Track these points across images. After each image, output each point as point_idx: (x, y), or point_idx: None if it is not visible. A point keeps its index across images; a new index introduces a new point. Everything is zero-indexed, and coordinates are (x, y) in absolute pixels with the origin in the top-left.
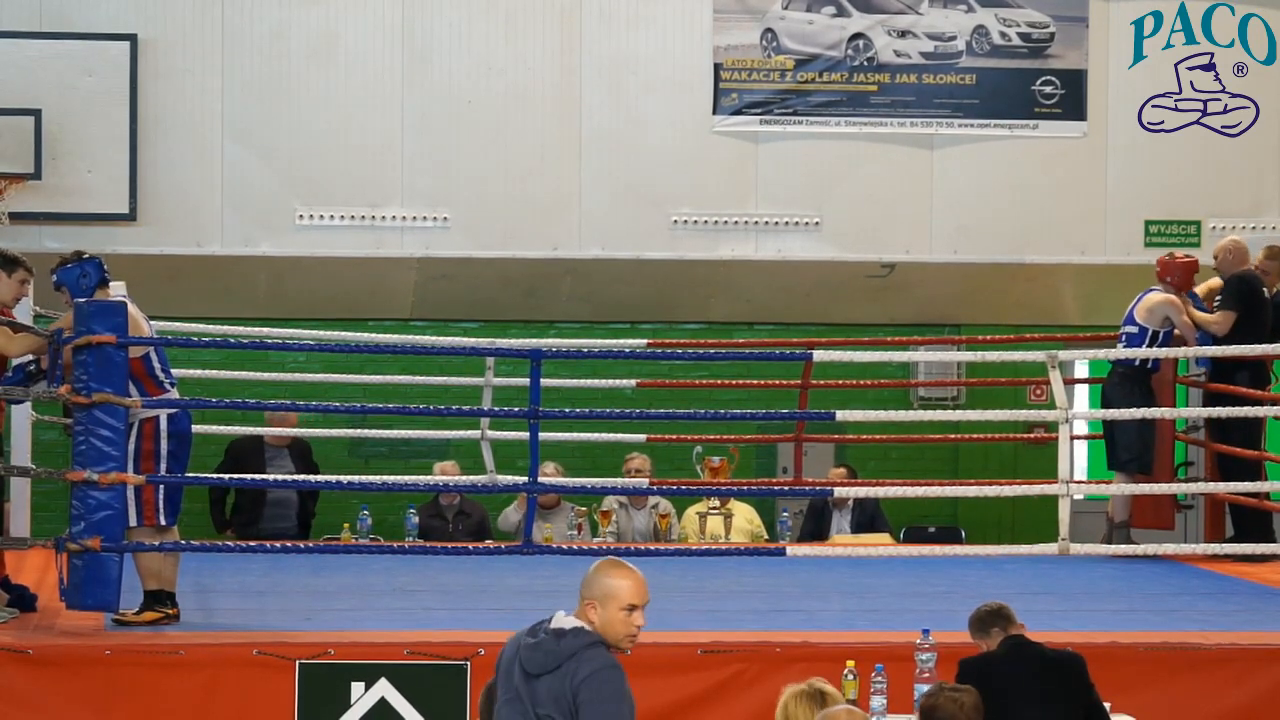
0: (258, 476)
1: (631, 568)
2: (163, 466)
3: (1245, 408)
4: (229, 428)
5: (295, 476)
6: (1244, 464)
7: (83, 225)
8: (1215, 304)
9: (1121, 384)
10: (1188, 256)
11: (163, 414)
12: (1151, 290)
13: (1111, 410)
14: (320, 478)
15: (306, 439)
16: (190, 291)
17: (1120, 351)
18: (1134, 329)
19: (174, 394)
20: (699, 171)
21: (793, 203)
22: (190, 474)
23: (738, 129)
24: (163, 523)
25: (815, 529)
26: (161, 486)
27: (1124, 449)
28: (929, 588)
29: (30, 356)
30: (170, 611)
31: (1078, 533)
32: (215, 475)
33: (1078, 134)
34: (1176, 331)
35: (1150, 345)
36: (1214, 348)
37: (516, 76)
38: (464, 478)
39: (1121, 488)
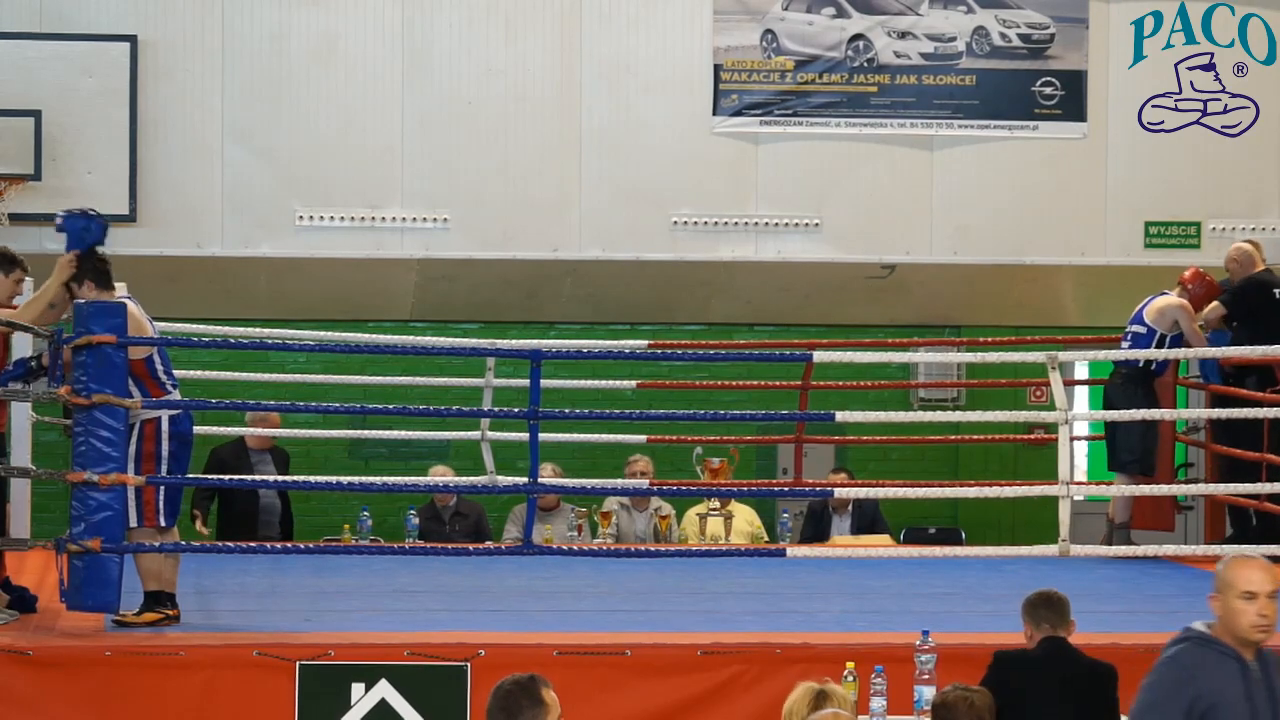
0: (256, 478)
1: (1254, 559)
2: (163, 468)
3: (1250, 409)
4: (228, 429)
5: (296, 479)
6: (1255, 466)
7: None
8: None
9: (1125, 385)
10: (1213, 280)
11: (165, 415)
12: (1164, 294)
13: (1111, 411)
14: (320, 479)
15: (280, 443)
16: (190, 292)
17: (1120, 352)
18: (1142, 329)
19: (176, 395)
20: (699, 172)
21: (793, 204)
22: (190, 476)
23: (738, 130)
24: (163, 524)
25: (815, 533)
26: (162, 488)
27: (1125, 450)
28: (929, 589)
29: (30, 352)
30: (170, 613)
31: (1079, 534)
32: (215, 477)
33: (1078, 135)
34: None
35: (1157, 348)
36: (1213, 349)
37: (516, 77)
38: (464, 479)
39: (1122, 489)
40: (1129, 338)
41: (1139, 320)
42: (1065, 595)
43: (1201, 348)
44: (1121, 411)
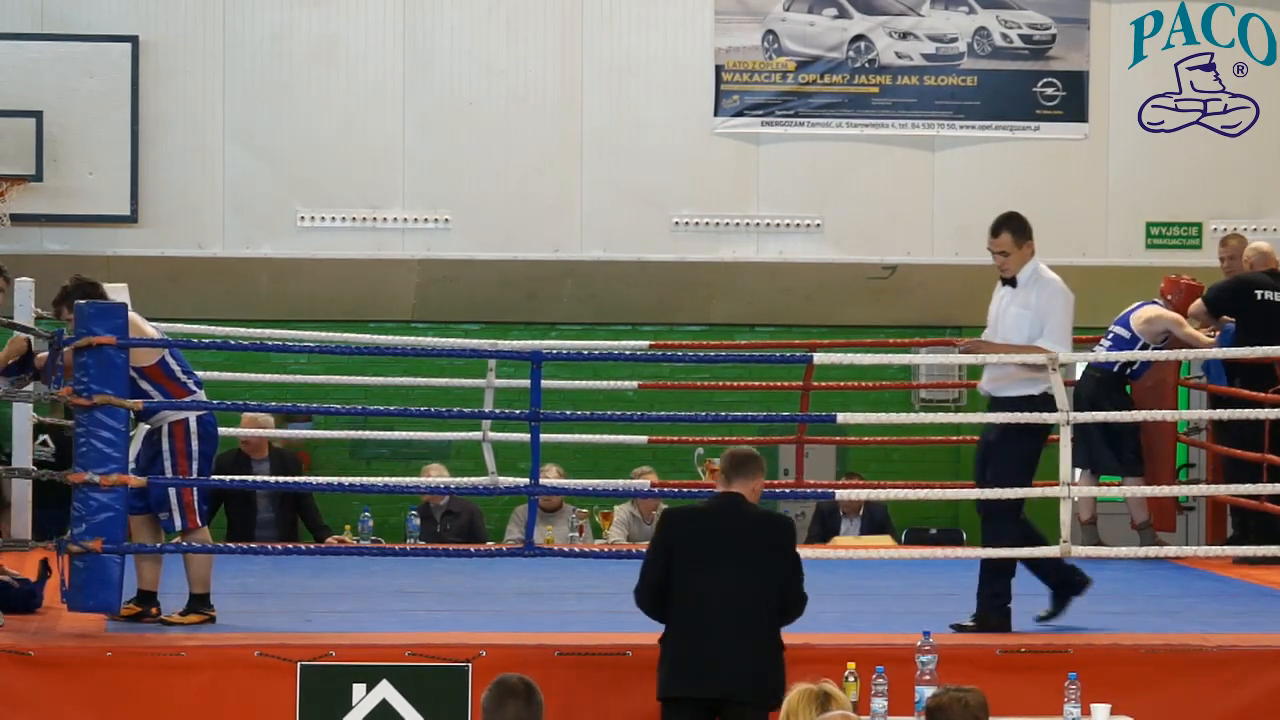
0: (258, 478)
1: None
2: (195, 466)
3: (1250, 410)
4: (228, 430)
5: (297, 479)
6: (1256, 466)
7: (84, 227)
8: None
9: (1097, 389)
10: (1194, 281)
11: (192, 415)
12: (1152, 303)
13: (1115, 413)
14: (321, 480)
15: (294, 453)
16: (191, 293)
17: (1118, 354)
18: (1126, 334)
19: (201, 395)
20: (700, 173)
21: (794, 204)
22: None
23: (739, 130)
24: (200, 525)
25: (822, 533)
26: (196, 489)
27: (1114, 451)
28: (930, 590)
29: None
30: (211, 614)
31: (1087, 535)
32: (221, 478)
33: (1079, 135)
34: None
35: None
36: (1195, 351)
37: (518, 78)
38: (465, 479)
39: (1135, 490)
40: (1110, 338)
41: (1124, 324)
42: (760, 457)
43: (1207, 347)
44: (1120, 413)
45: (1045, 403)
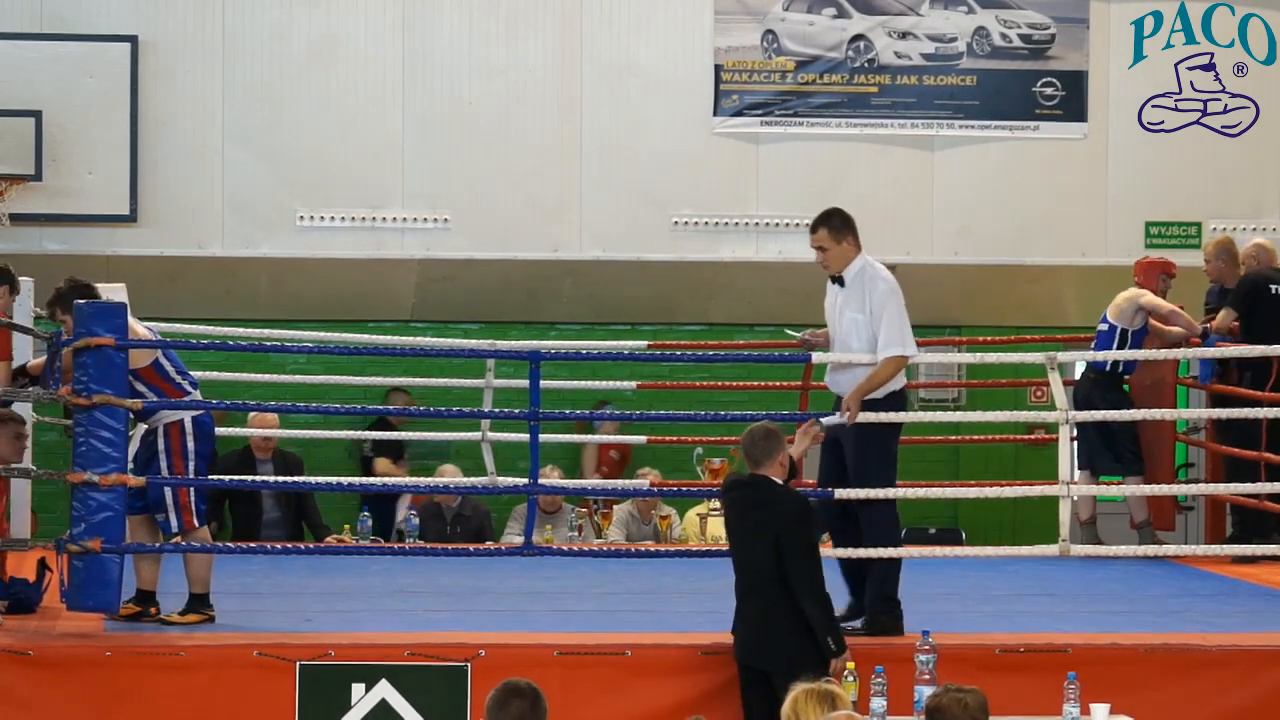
0: (258, 479)
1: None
2: (192, 466)
3: (1247, 409)
4: (228, 429)
5: (297, 479)
6: (1254, 464)
7: (83, 227)
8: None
9: (1092, 389)
10: (1162, 260)
11: (187, 416)
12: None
13: (1113, 412)
14: (320, 479)
15: (297, 454)
16: (191, 293)
17: (1117, 354)
18: (1104, 326)
19: (197, 395)
20: (700, 173)
21: (793, 204)
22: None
23: (738, 130)
24: (197, 525)
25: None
26: (193, 489)
27: (1114, 452)
28: (929, 589)
29: (31, 356)
30: (210, 613)
31: (1086, 534)
32: (226, 478)
33: (1078, 135)
34: (1159, 324)
35: (1120, 344)
36: (1200, 349)
37: (517, 78)
38: (465, 479)
39: (1136, 489)
40: (1096, 335)
41: (1103, 319)
42: (772, 432)
43: (1190, 322)
44: (1120, 412)
45: (895, 401)
